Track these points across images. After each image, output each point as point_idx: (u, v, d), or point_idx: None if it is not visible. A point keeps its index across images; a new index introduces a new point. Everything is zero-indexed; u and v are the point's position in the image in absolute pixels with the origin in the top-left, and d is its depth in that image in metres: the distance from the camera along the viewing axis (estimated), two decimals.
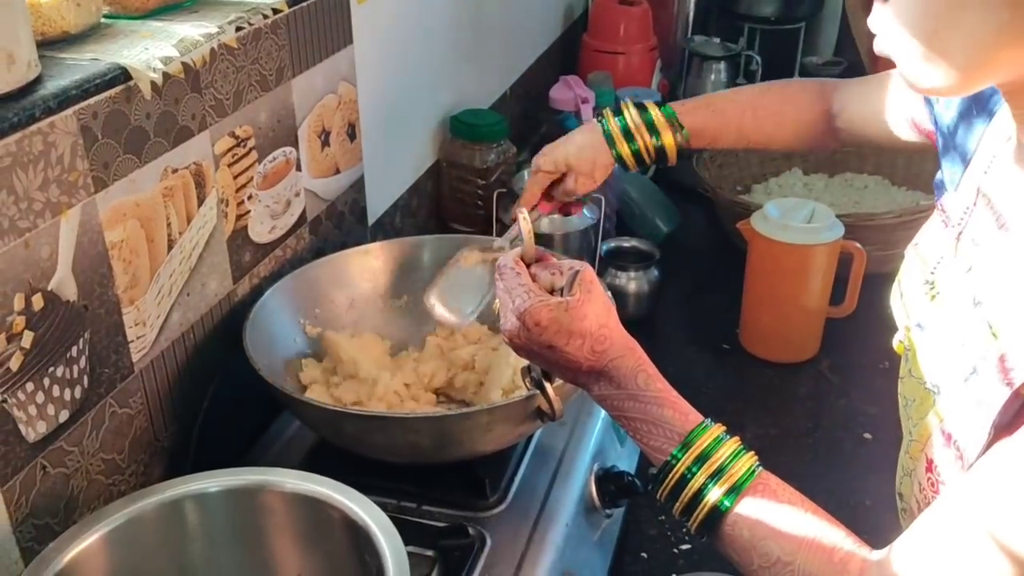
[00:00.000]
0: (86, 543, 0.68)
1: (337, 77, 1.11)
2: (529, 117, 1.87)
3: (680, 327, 1.48)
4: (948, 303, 0.69)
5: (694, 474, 0.66)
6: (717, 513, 0.65)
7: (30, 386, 0.71)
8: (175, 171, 0.84)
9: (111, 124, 0.75)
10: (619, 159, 1.02)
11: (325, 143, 1.10)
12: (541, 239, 1.28)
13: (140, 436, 0.85)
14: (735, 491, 0.65)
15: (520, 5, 1.81)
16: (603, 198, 1.37)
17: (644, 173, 1.73)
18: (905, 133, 0.93)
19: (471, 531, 0.85)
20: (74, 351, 0.75)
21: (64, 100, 0.69)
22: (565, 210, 1.09)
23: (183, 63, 0.80)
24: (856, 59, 2.50)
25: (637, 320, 1.44)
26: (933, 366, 0.69)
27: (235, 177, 0.94)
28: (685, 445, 0.67)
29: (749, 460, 0.67)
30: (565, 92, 1.76)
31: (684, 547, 1.05)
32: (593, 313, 0.70)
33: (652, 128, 1.00)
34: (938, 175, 0.79)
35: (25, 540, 0.73)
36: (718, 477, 0.66)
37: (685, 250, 1.67)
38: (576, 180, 1.02)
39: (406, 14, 1.30)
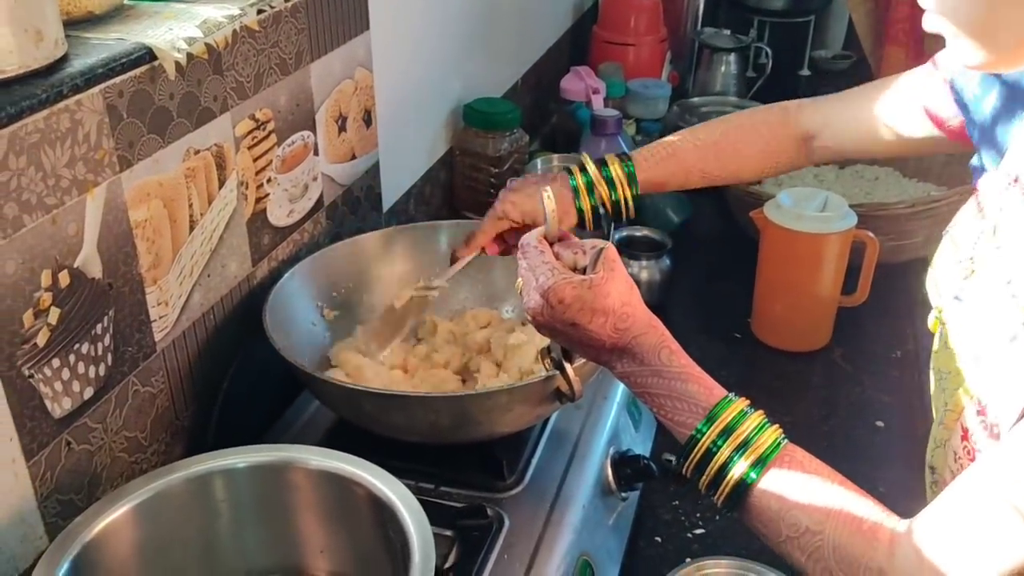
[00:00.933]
0: (112, 517, 0.69)
1: (354, 63, 1.11)
2: (540, 107, 1.88)
3: (692, 316, 1.48)
4: (983, 278, 0.70)
5: (719, 447, 0.66)
6: (743, 486, 0.66)
7: (56, 362, 0.72)
8: (197, 152, 0.85)
9: (136, 103, 0.76)
10: (580, 213, 1.03)
11: (342, 128, 1.11)
12: None
13: (162, 415, 0.86)
14: (761, 463, 0.66)
15: None
16: None
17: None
18: (914, 129, 0.93)
19: (489, 512, 0.86)
20: (99, 329, 0.76)
21: (91, 78, 0.70)
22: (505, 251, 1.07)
23: (206, 44, 0.81)
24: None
25: (649, 309, 1.44)
26: (970, 336, 0.70)
27: (255, 160, 0.94)
28: (710, 419, 0.67)
29: (774, 433, 0.68)
30: (576, 83, 1.76)
31: (698, 531, 1.05)
32: (616, 291, 0.70)
33: (610, 182, 1.02)
34: (974, 158, 0.79)
35: (50, 515, 0.73)
36: (743, 450, 0.66)
37: (697, 240, 1.67)
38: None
39: (422, 1, 1.30)
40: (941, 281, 0.78)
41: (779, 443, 0.68)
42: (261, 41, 0.91)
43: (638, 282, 1.41)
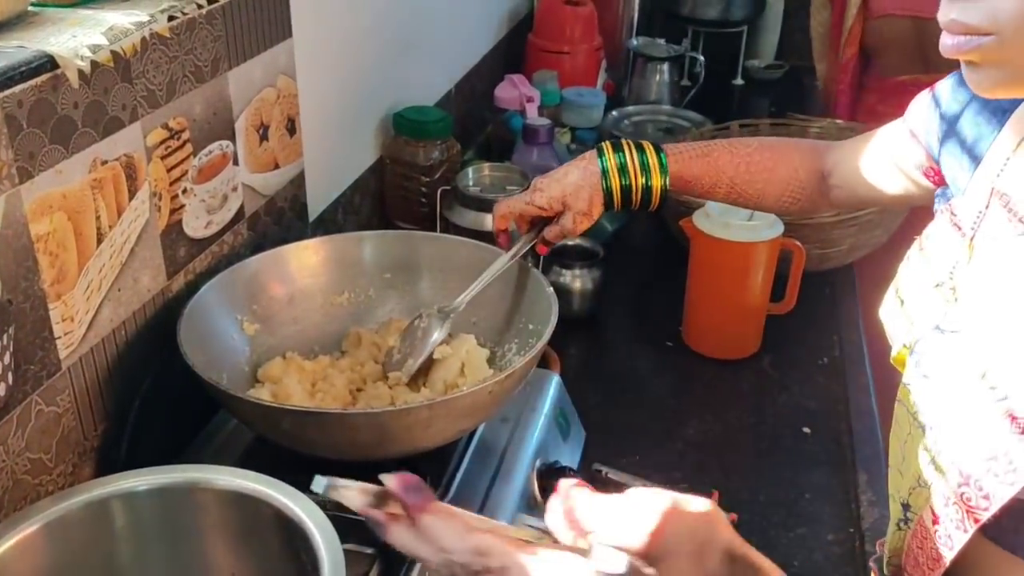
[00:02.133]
0: (10, 543, 0.66)
1: (276, 70, 1.09)
2: (475, 116, 1.87)
3: (624, 325, 1.49)
4: (971, 306, 0.66)
5: None
6: None
7: None
8: (104, 163, 0.82)
9: (37, 113, 0.73)
10: (608, 194, 1.01)
11: (264, 137, 1.09)
12: (484, 204, 1.28)
13: (68, 435, 0.83)
14: None
15: (466, 5, 1.81)
16: None
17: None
18: (902, 183, 0.90)
19: None
20: None
21: None
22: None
23: (112, 52, 0.78)
24: (799, 63, 2.55)
25: (581, 318, 1.44)
26: (956, 379, 0.65)
27: (169, 170, 0.92)
28: None
29: None
30: (510, 91, 1.76)
31: None
32: None
33: (645, 168, 1.00)
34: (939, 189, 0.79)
35: None
36: None
37: (631, 249, 1.68)
38: (574, 219, 1.01)
39: (347, 7, 1.28)
40: (916, 306, 0.72)
41: None
42: (174, 48, 0.89)
43: (571, 291, 1.42)
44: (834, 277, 1.56)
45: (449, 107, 1.68)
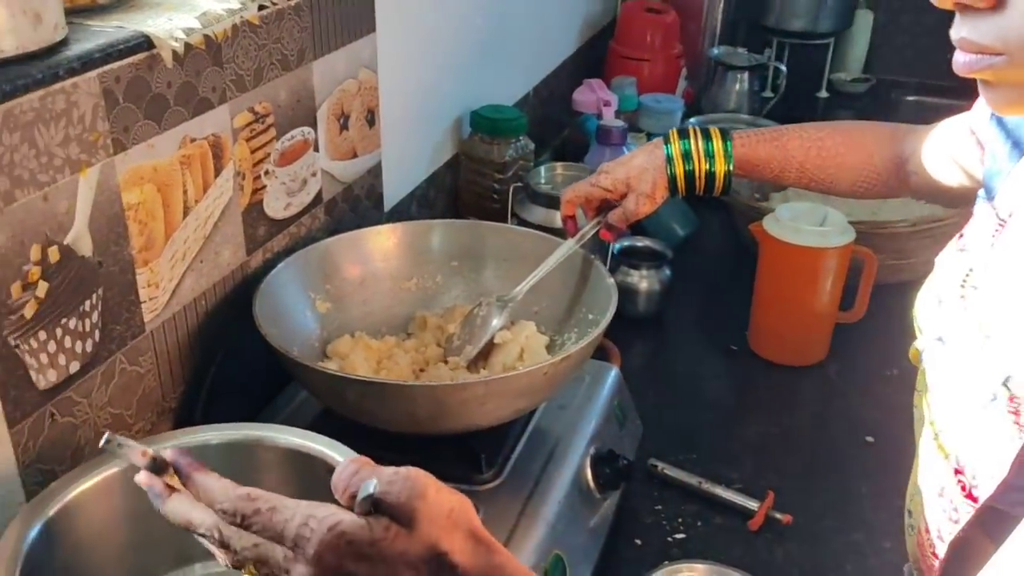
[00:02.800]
0: (92, 482, 0.71)
1: (358, 63, 1.14)
2: (552, 119, 1.90)
3: (689, 327, 1.49)
4: (964, 323, 0.65)
5: None
6: None
7: (43, 335, 0.74)
8: (193, 140, 0.88)
9: (133, 89, 0.79)
10: (672, 180, 1.03)
11: (344, 127, 1.13)
12: (555, 201, 1.30)
13: (148, 395, 0.88)
14: None
15: (548, 11, 1.84)
16: None
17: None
18: (961, 178, 0.89)
19: None
20: (87, 305, 0.78)
21: (88, 62, 0.73)
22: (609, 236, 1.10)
23: (205, 35, 0.84)
24: (886, 77, 2.51)
25: (647, 318, 1.45)
26: (949, 386, 0.65)
27: (252, 152, 0.97)
28: None
29: None
30: (588, 95, 1.79)
31: (679, 536, 1.06)
32: (418, 542, 0.48)
33: (709, 154, 1.01)
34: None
35: (31, 483, 0.76)
36: None
37: (702, 254, 1.68)
38: (637, 201, 1.03)
39: (432, 7, 1.33)
40: (923, 317, 0.73)
41: None
42: (262, 36, 0.94)
43: (637, 291, 1.43)
44: (908, 288, 1.53)
45: (527, 109, 1.72)
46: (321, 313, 1.04)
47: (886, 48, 2.55)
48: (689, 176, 1.02)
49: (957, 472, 0.61)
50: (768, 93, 2.31)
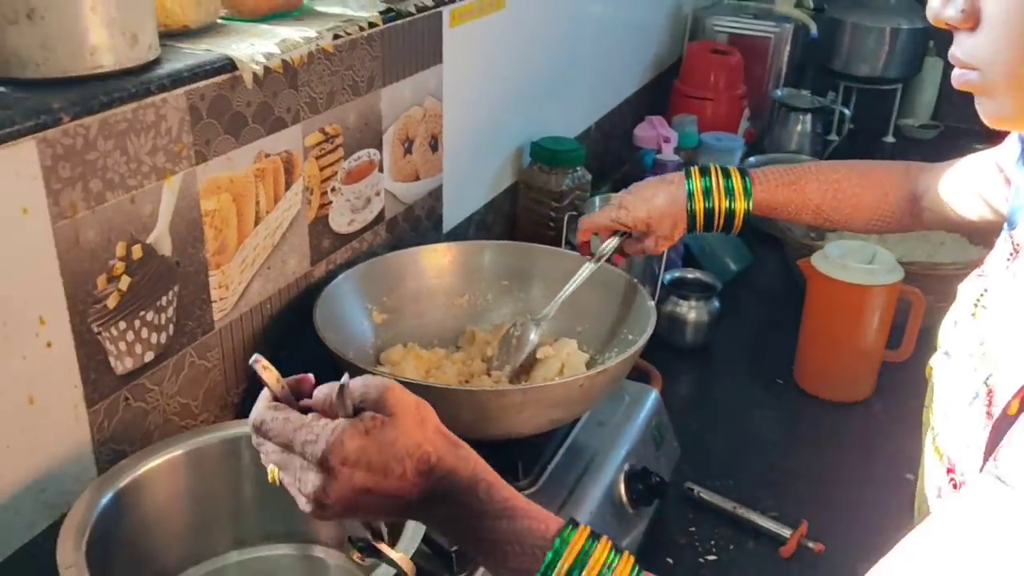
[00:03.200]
0: (158, 461, 0.78)
1: (425, 92, 1.21)
2: (612, 154, 1.95)
3: (736, 359, 1.52)
4: (965, 336, 0.68)
5: None
6: None
7: (123, 324, 0.82)
8: (267, 156, 0.95)
9: (215, 107, 0.87)
10: (691, 217, 1.05)
11: (408, 150, 1.21)
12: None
13: (214, 388, 0.95)
14: None
15: (615, 50, 1.90)
16: None
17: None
18: (985, 211, 0.92)
19: None
20: (163, 300, 0.86)
21: (177, 80, 0.81)
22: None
23: (283, 60, 0.91)
24: (956, 124, 2.50)
25: (694, 348, 1.49)
26: (946, 392, 0.69)
27: (321, 169, 1.04)
28: (552, 560, 0.56)
29: (627, 563, 0.58)
30: (648, 131, 1.83)
31: (711, 558, 1.09)
32: (403, 431, 0.57)
33: (729, 192, 1.04)
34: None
35: (103, 461, 0.83)
36: None
37: (754, 290, 1.71)
38: (656, 242, 1.06)
39: (498, 41, 1.40)
40: (941, 336, 0.76)
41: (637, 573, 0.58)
42: (336, 63, 1.02)
43: (685, 322, 1.47)
44: None
45: (587, 142, 1.77)
46: (377, 323, 1.10)
47: (956, 96, 2.54)
48: (708, 213, 1.05)
49: (949, 471, 0.64)
50: (832, 136, 2.32)
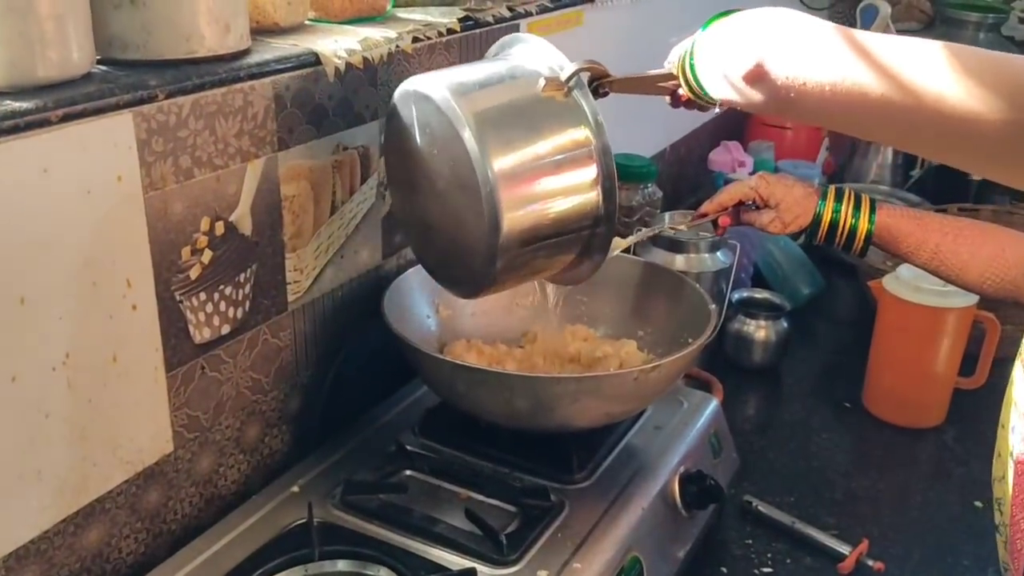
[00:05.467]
0: None
1: None
2: (686, 176, 1.96)
3: (804, 380, 1.50)
4: None
5: None
6: None
7: (203, 295, 0.87)
8: (345, 149, 1.00)
9: (299, 97, 0.92)
10: (816, 220, 1.08)
11: None
12: (676, 244, 1.40)
13: (284, 367, 1.00)
14: None
15: None
16: (738, 244, 1.43)
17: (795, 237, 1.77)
18: None
19: (553, 497, 0.93)
20: (242, 277, 0.91)
21: (264, 69, 0.86)
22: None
23: (364, 57, 0.96)
24: None
25: (762, 368, 1.48)
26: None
27: None
28: None
29: None
30: (724, 155, 1.85)
31: (766, 570, 1.07)
32: None
33: (857, 208, 1.07)
34: None
35: (178, 424, 0.88)
36: None
37: (825, 314, 1.69)
38: (773, 221, 1.08)
39: (573, 58, 1.43)
40: None
41: None
42: (414, 65, 1.06)
43: (753, 340, 1.47)
44: None
45: (662, 164, 1.79)
46: (442, 318, 1.14)
47: None
48: (833, 226, 1.08)
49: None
50: (915, 171, 2.29)
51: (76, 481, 0.79)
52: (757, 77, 0.72)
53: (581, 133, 0.84)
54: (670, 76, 0.91)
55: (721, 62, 0.77)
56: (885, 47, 0.64)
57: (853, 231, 1.07)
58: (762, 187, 1.08)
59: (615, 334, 1.12)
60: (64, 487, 0.78)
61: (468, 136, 0.80)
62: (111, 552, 0.84)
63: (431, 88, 0.83)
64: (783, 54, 0.70)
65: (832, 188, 1.09)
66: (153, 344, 0.83)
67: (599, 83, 0.90)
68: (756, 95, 0.74)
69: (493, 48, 0.94)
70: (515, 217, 0.81)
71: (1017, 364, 0.77)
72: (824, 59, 0.67)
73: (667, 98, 0.95)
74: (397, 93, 0.89)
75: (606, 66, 0.89)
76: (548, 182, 0.83)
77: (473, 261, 0.84)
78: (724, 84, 0.77)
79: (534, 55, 0.88)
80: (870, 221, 1.06)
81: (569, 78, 0.84)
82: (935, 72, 0.60)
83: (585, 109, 0.84)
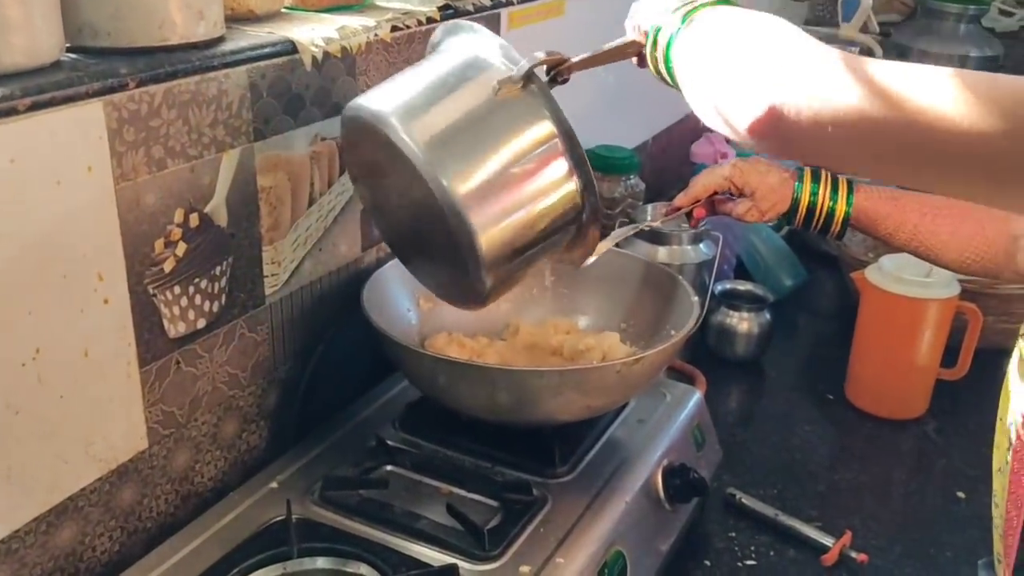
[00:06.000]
0: None
1: None
2: (669, 170, 1.95)
3: (786, 372, 1.50)
4: None
5: None
6: None
7: (177, 289, 0.85)
8: (323, 139, 0.98)
9: (275, 87, 0.90)
10: (793, 205, 1.06)
11: None
12: (659, 237, 1.37)
13: (262, 362, 0.98)
14: None
15: None
16: (721, 237, 1.42)
17: (777, 228, 1.77)
18: None
19: (535, 491, 0.92)
20: (217, 270, 0.89)
21: (239, 57, 0.84)
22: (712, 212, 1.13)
23: (342, 46, 0.95)
24: None
25: (744, 360, 1.47)
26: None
27: None
28: None
29: None
30: (706, 147, 1.84)
31: (749, 563, 1.07)
32: None
33: (835, 190, 1.05)
34: None
35: (152, 421, 0.86)
36: None
37: (807, 306, 1.69)
38: (748, 210, 1.07)
39: (554, 47, 1.41)
40: None
41: None
42: (393, 54, 1.05)
43: (735, 332, 1.46)
44: None
45: (644, 156, 1.78)
46: (423, 311, 1.12)
47: None
48: (810, 209, 1.06)
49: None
50: None
51: (48, 479, 0.77)
52: (767, 126, 0.64)
53: (543, 129, 0.79)
54: (633, 44, 0.87)
55: (714, 93, 0.70)
56: (913, 81, 0.58)
57: (831, 214, 1.05)
58: (736, 176, 1.06)
59: (597, 327, 1.11)
60: (35, 485, 0.76)
61: (425, 167, 0.75)
62: (85, 551, 0.82)
63: (379, 118, 0.78)
64: (799, 100, 0.62)
65: (808, 170, 1.07)
66: (126, 339, 0.81)
67: (557, 71, 0.86)
68: (761, 142, 0.67)
69: (436, 34, 0.87)
70: (492, 237, 0.77)
71: (1015, 355, 0.76)
72: (847, 103, 0.60)
73: (634, 59, 0.92)
74: (347, 117, 0.83)
75: (561, 53, 0.85)
76: (520, 190, 0.79)
77: (465, 284, 0.82)
78: (717, 119, 0.70)
79: (483, 50, 0.82)
80: (848, 203, 1.05)
81: (524, 75, 0.79)
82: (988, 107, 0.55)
83: (543, 102, 0.79)
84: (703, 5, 0.75)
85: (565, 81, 0.87)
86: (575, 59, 0.87)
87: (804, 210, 1.06)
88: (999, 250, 1.02)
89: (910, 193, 1.06)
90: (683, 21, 0.76)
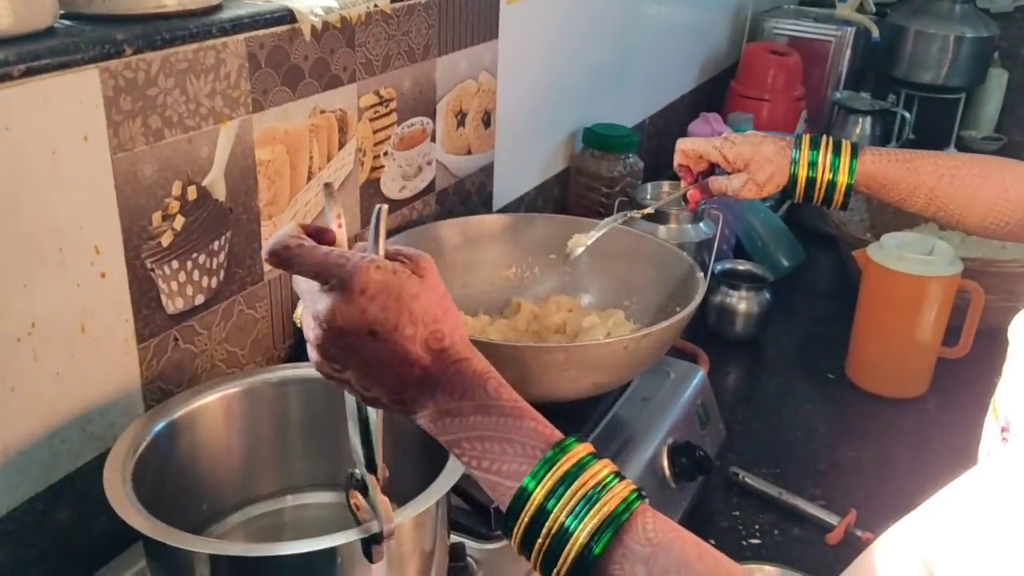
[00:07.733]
0: (208, 399, 0.80)
1: (480, 66, 1.22)
2: (666, 149, 1.93)
3: (786, 352, 1.49)
4: None
5: (557, 501, 0.52)
6: (588, 560, 0.51)
7: (175, 264, 0.83)
8: (322, 112, 0.96)
9: (274, 57, 0.88)
10: (792, 182, 1.01)
11: (460, 123, 1.21)
12: (659, 215, 1.36)
13: (261, 340, 0.96)
14: (611, 525, 0.51)
15: (671, 47, 1.90)
16: (721, 216, 1.41)
17: (775, 208, 1.76)
18: None
19: None
20: (216, 245, 0.87)
21: (238, 26, 0.82)
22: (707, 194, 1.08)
23: (341, 16, 0.93)
24: (1021, 138, 2.45)
25: (744, 340, 1.46)
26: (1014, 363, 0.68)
27: (374, 132, 1.05)
28: (546, 463, 0.53)
29: (626, 489, 0.54)
30: (703, 126, 1.82)
31: (754, 541, 1.06)
32: (426, 296, 0.54)
33: (835, 166, 0.99)
34: None
35: (151, 398, 0.84)
36: (587, 508, 0.52)
37: (806, 285, 1.68)
38: (745, 184, 1.01)
39: (555, 25, 1.40)
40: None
41: (633, 501, 0.53)
42: (392, 27, 1.03)
43: (735, 312, 1.45)
44: None
45: (641, 136, 1.76)
46: None
47: (1021, 108, 2.49)
48: (810, 182, 1.01)
49: (1003, 430, 0.62)
50: (892, 144, 2.28)
51: (44, 458, 0.75)
52: None
53: None
54: None
55: None
56: None
57: (832, 185, 0.99)
58: (727, 148, 1.01)
59: (601, 305, 1.10)
60: (31, 464, 0.74)
61: None
62: (82, 531, 0.80)
63: None
64: None
65: (806, 137, 1.01)
66: (123, 315, 0.79)
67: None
68: None
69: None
70: None
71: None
72: None
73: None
74: None
75: None
76: None
77: None
78: None
79: None
80: (850, 175, 0.99)
81: None
82: None
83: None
84: None
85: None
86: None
87: (804, 183, 1.00)
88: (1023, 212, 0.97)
89: (923, 154, 1.00)
90: None
